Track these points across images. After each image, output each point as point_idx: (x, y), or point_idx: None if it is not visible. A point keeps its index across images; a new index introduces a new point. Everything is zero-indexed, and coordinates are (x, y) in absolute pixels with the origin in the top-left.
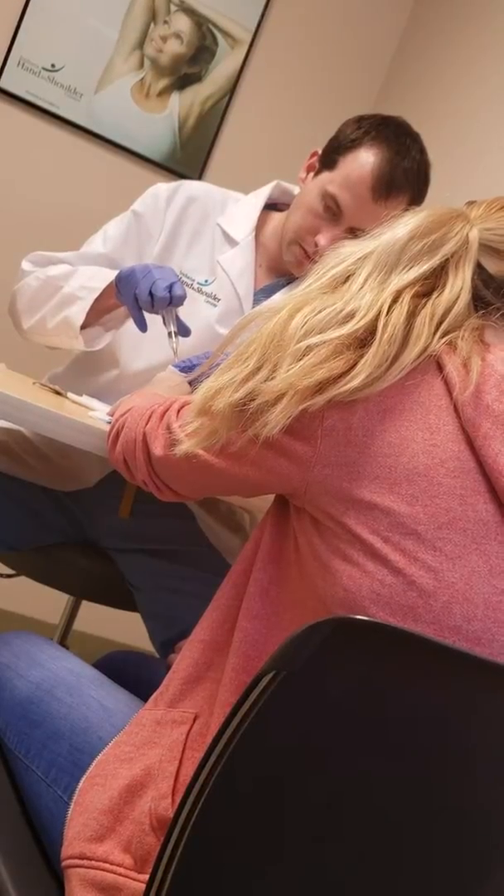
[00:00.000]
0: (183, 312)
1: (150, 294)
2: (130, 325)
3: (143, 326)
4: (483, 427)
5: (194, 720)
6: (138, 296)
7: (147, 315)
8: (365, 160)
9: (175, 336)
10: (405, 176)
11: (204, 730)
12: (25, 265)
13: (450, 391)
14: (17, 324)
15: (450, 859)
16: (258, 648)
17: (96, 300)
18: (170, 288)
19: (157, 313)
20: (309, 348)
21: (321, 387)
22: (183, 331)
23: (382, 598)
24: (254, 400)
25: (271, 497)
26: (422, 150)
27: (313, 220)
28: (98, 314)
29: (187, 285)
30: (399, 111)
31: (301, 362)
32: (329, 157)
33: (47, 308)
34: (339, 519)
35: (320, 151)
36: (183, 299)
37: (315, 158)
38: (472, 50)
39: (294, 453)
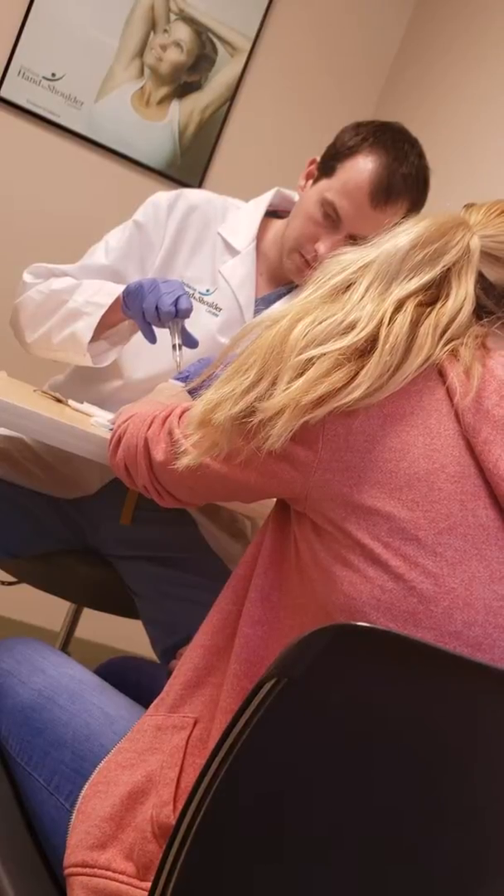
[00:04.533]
0: (186, 323)
1: (157, 308)
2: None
3: (152, 339)
4: (483, 432)
5: (194, 725)
6: (145, 310)
7: (155, 327)
8: (363, 167)
9: (179, 349)
10: (404, 182)
11: (205, 735)
12: (27, 277)
13: (451, 397)
14: (19, 337)
15: (449, 865)
16: (259, 654)
17: (102, 315)
18: (176, 301)
19: (164, 327)
20: (310, 361)
21: (322, 400)
22: (190, 342)
23: (383, 603)
24: (254, 413)
25: (272, 503)
26: (420, 156)
27: (313, 228)
28: (103, 329)
29: (189, 295)
30: (399, 117)
31: (303, 377)
32: (327, 165)
33: (52, 323)
34: (340, 524)
35: (319, 159)
36: (189, 312)
37: (314, 166)
38: (470, 56)
39: (296, 458)
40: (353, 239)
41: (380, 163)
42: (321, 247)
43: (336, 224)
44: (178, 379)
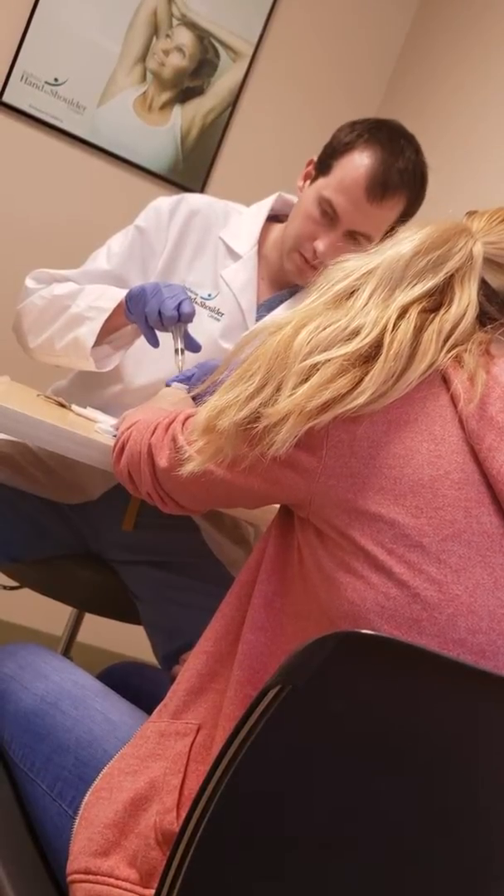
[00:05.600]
0: (189, 327)
1: (160, 312)
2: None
3: (154, 343)
4: (487, 439)
5: (197, 731)
6: (148, 314)
7: (157, 331)
8: (359, 162)
9: (181, 353)
10: (400, 176)
11: (208, 741)
12: (29, 282)
13: (455, 403)
14: (22, 343)
15: (452, 872)
16: (262, 661)
17: (105, 320)
18: (178, 306)
19: (166, 331)
20: (314, 367)
21: (327, 406)
22: (193, 347)
23: (387, 610)
24: (259, 419)
25: (276, 509)
26: (417, 151)
27: (311, 226)
28: (106, 333)
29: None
30: (402, 121)
31: (307, 383)
32: (324, 163)
33: (54, 328)
34: (344, 531)
35: (316, 159)
36: (191, 316)
37: (311, 166)
38: (472, 60)
39: (300, 465)
40: (352, 236)
41: (375, 158)
42: (320, 245)
43: (334, 221)
44: (177, 380)
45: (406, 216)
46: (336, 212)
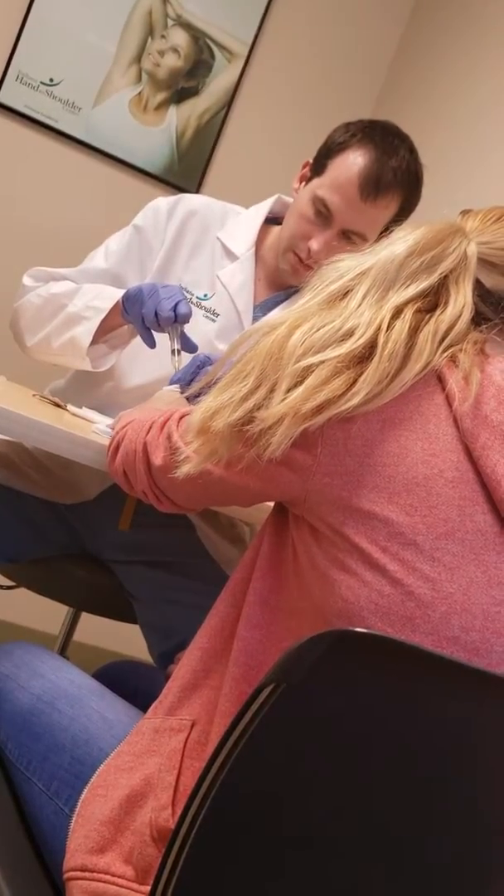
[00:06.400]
0: (185, 328)
1: (156, 313)
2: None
3: (151, 344)
4: (481, 437)
5: (192, 727)
6: (145, 315)
7: (154, 332)
8: (353, 161)
9: (178, 354)
10: (394, 175)
11: (203, 738)
12: (27, 280)
13: (449, 403)
14: (19, 341)
15: (449, 871)
16: (257, 658)
17: (102, 319)
18: (175, 307)
19: (163, 331)
20: (308, 368)
21: (321, 408)
22: (190, 347)
23: (381, 608)
24: (253, 421)
25: (270, 507)
26: (411, 150)
27: (305, 226)
28: (102, 332)
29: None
30: (396, 122)
31: (302, 385)
32: (318, 163)
33: (51, 327)
34: (338, 528)
35: (311, 160)
36: (188, 317)
37: (307, 168)
38: (466, 63)
39: (295, 463)
40: (347, 235)
41: (369, 157)
42: (314, 244)
43: (328, 220)
44: (172, 381)
45: (401, 216)
46: (330, 210)
